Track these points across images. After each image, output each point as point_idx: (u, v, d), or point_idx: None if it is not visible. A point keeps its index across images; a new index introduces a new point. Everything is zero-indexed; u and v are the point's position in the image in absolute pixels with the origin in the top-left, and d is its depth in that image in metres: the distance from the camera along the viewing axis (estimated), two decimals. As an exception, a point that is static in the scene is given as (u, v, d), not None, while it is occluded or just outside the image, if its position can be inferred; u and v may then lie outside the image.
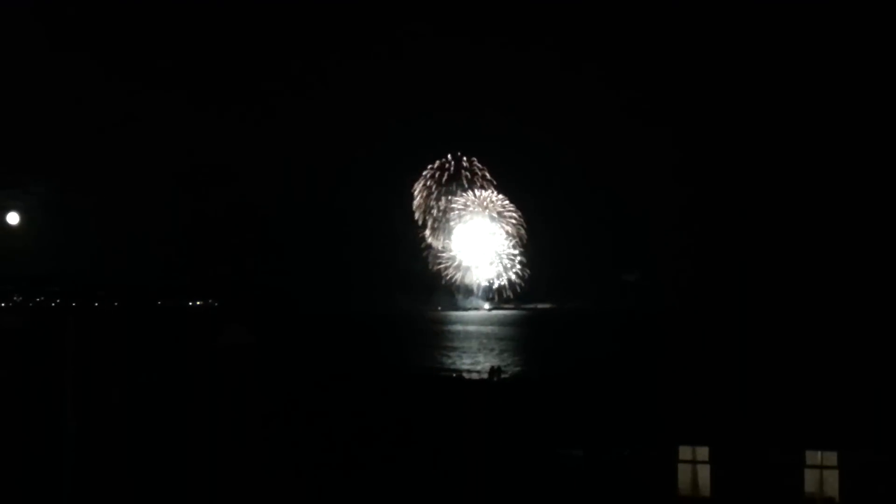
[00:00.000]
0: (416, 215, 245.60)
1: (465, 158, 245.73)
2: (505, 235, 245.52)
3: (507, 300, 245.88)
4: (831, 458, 31.33)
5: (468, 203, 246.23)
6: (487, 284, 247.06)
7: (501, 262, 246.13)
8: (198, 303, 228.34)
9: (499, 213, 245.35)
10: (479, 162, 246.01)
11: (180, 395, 36.84)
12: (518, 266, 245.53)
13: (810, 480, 31.44)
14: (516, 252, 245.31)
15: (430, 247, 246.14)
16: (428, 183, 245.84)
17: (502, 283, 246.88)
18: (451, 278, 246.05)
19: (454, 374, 70.19)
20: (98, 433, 33.97)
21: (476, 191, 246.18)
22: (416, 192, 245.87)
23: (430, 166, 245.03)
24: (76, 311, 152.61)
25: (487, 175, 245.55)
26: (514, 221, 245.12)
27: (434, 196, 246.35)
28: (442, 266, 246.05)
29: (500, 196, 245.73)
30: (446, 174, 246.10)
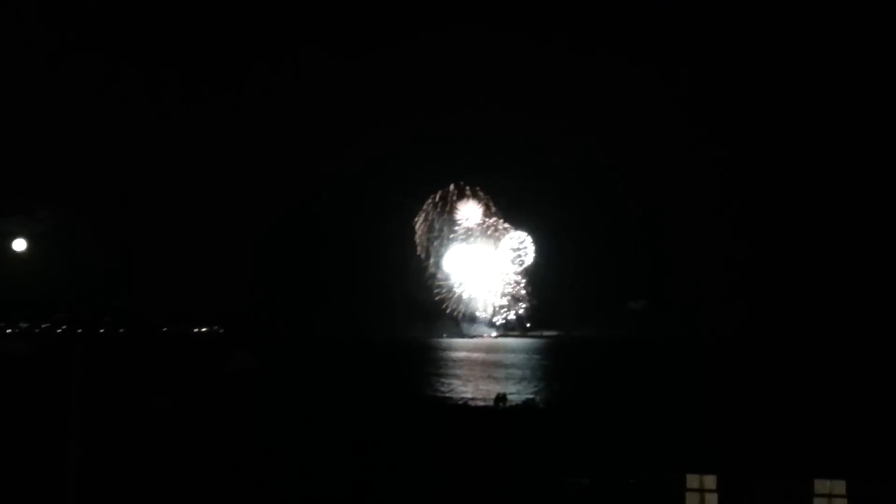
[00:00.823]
0: (418, 248, 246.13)
1: (468, 187, 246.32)
2: (510, 263, 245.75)
3: (513, 328, 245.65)
4: (840, 486, 31.11)
5: (471, 231, 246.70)
6: (492, 312, 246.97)
7: (507, 290, 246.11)
8: (203, 329, 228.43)
9: (503, 241, 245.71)
10: (482, 190, 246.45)
11: (186, 421, 36.76)
12: (523, 293, 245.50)
13: (819, 509, 31.20)
14: (522, 279, 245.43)
15: (434, 275, 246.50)
16: (429, 215, 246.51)
17: (508, 311, 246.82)
18: (456, 306, 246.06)
19: (459, 402, 69.94)
20: (103, 461, 33.89)
21: (480, 218, 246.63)
22: (417, 225, 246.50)
23: (431, 197, 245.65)
24: (82, 338, 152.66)
25: (491, 204, 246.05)
26: (519, 249, 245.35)
27: (436, 227, 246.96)
28: (446, 294, 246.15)
29: (506, 224, 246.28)
30: (448, 204, 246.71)
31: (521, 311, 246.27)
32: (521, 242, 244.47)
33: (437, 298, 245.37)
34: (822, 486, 31.26)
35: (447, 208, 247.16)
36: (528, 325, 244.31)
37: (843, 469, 31.08)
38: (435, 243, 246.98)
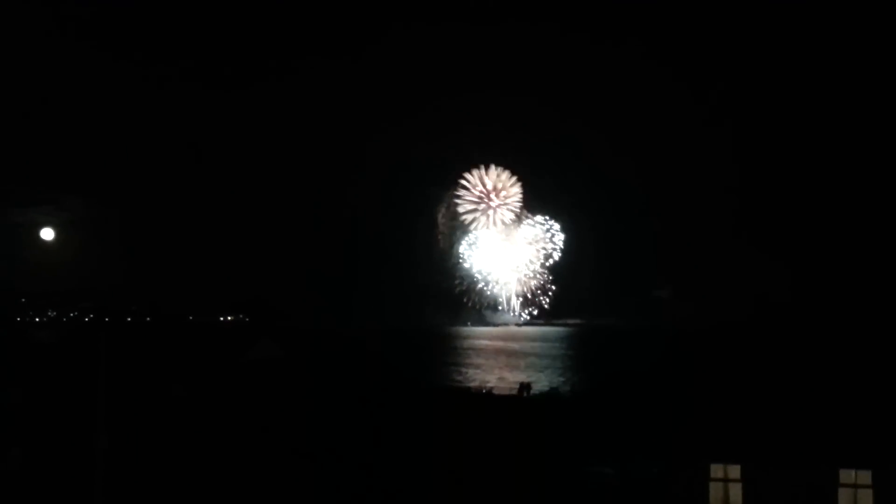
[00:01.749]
0: (442, 236, 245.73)
1: (490, 169, 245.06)
2: (535, 252, 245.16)
3: (537, 316, 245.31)
4: (866, 476, 30.87)
5: (496, 220, 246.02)
6: (517, 300, 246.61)
7: (531, 278, 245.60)
8: (228, 318, 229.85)
9: (528, 229, 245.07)
10: (508, 177, 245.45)
11: (207, 410, 37.00)
12: (547, 282, 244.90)
13: (844, 499, 30.97)
14: (546, 268, 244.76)
15: (458, 264, 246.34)
16: (453, 204, 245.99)
17: (532, 299, 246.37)
18: (480, 295, 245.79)
19: (484, 390, 69.96)
20: (130, 447, 34.19)
21: (505, 209, 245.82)
22: (441, 214, 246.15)
23: (455, 185, 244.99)
24: (108, 327, 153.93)
25: (518, 189, 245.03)
26: (544, 238, 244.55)
27: (460, 215, 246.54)
28: (470, 283, 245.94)
29: (529, 213, 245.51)
30: (474, 191, 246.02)
31: (545, 300, 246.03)
32: (547, 231, 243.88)
33: (461, 287, 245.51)
34: (846, 475, 31.04)
35: (472, 197, 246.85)
36: (552, 313, 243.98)
37: (869, 459, 30.84)
38: (459, 231, 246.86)
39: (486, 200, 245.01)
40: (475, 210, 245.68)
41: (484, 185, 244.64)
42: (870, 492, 30.69)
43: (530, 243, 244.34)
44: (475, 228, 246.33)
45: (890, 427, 31.38)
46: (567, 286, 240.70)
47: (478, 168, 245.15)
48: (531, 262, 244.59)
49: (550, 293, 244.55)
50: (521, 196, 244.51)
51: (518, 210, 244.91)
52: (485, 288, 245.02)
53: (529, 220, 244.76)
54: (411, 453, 34.48)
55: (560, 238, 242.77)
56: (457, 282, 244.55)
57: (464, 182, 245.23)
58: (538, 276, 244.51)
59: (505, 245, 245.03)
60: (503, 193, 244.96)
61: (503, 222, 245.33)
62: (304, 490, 33.24)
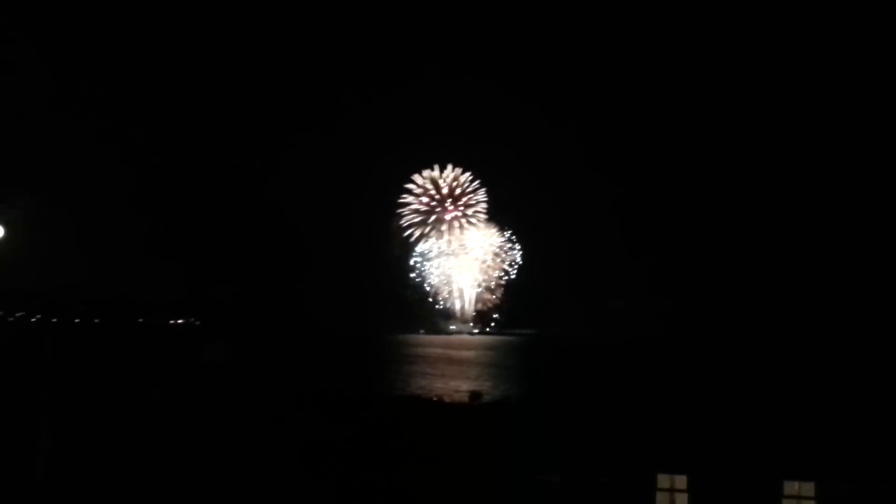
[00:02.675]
0: (396, 242, 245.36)
1: (451, 171, 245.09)
2: (490, 260, 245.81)
3: (490, 325, 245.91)
4: (809, 488, 31.35)
5: (449, 224, 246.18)
6: (470, 309, 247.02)
7: (485, 287, 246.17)
8: (179, 321, 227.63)
9: (483, 237, 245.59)
10: (463, 181, 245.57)
11: (157, 414, 36.62)
12: (502, 291, 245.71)
13: (788, 511, 31.42)
14: (501, 277, 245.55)
15: (411, 270, 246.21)
16: (408, 209, 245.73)
17: (485, 308, 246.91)
18: (433, 302, 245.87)
19: (435, 398, 70.01)
20: (73, 452, 33.70)
21: (462, 218, 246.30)
22: (395, 218, 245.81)
23: (409, 189, 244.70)
24: (56, 328, 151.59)
25: (478, 196, 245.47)
26: (500, 244, 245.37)
27: (417, 221, 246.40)
28: (423, 290, 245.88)
29: (486, 221, 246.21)
30: (430, 199, 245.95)
31: (498, 309, 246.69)
32: (504, 240, 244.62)
33: (414, 294, 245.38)
34: (790, 487, 31.50)
35: (427, 198, 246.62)
36: (505, 322, 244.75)
37: (813, 470, 31.34)
38: (414, 237, 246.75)
39: (441, 205, 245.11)
40: (429, 214, 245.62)
41: (438, 189, 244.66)
42: (813, 503, 31.17)
43: (485, 251, 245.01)
44: (430, 234, 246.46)
45: (833, 439, 31.93)
46: (520, 296, 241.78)
47: (432, 170, 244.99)
48: (486, 270, 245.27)
49: (504, 302, 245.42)
50: (481, 200, 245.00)
51: (478, 215, 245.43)
52: (438, 296, 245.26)
53: (485, 227, 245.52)
54: (359, 459, 34.36)
55: (516, 247, 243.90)
56: (409, 289, 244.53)
57: (415, 185, 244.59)
58: (493, 284, 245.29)
59: (460, 253, 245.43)
60: (464, 199, 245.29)
61: (459, 228, 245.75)
62: (250, 496, 32.96)
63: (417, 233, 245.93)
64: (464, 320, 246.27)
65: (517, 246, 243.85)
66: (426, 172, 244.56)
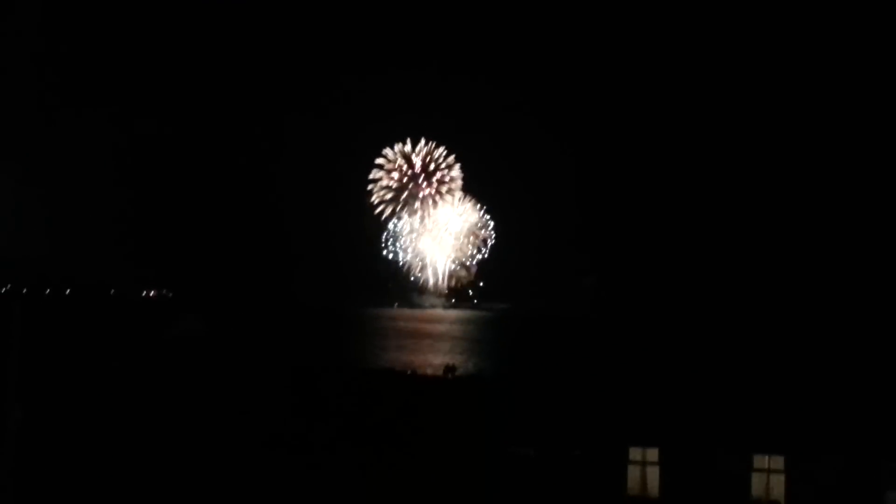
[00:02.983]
0: (369, 214, 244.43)
1: (420, 144, 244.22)
2: (464, 234, 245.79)
3: (464, 299, 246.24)
4: (778, 462, 31.67)
5: (423, 196, 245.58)
6: (443, 283, 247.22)
7: (459, 261, 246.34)
8: (151, 293, 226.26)
9: (457, 211, 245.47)
10: (436, 153, 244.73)
11: (125, 386, 36.31)
12: (475, 265, 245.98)
13: (757, 484, 31.75)
14: (474, 251, 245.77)
15: (384, 243, 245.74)
16: (380, 180, 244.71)
17: (459, 282, 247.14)
18: (406, 276, 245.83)
19: (408, 371, 70.00)
20: (42, 424, 33.40)
21: (436, 194, 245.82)
22: (368, 190, 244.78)
23: (381, 161, 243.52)
24: (25, 299, 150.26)
25: (453, 173, 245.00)
26: (475, 219, 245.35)
27: (387, 192, 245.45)
28: (396, 263, 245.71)
29: (461, 193, 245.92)
30: (399, 168, 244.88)
31: (472, 283, 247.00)
32: (479, 215, 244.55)
33: (387, 269, 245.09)
34: (760, 461, 31.81)
35: (399, 173, 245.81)
36: (479, 297, 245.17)
37: (782, 445, 31.62)
38: (385, 209, 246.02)
39: (414, 180, 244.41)
40: (402, 190, 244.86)
41: (411, 164, 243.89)
42: (782, 477, 31.50)
43: (460, 227, 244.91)
44: (403, 209, 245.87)
45: (802, 414, 32.21)
46: (494, 271, 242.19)
47: (404, 144, 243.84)
48: (461, 247, 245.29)
49: (477, 277, 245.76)
50: (455, 176, 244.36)
51: (451, 191, 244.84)
52: (411, 270, 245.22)
53: (460, 202, 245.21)
54: (334, 433, 34.30)
55: (489, 223, 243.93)
56: (382, 264, 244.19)
57: (386, 160, 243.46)
58: (466, 259, 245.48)
59: (434, 228, 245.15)
60: (438, 174, 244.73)
61: (433, 203, 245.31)
62: (225, 472, 32.84)
63: (390, 209, 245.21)
64: (437, 295, 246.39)
65: (490, 222, 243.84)
66: (398, 147, 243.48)
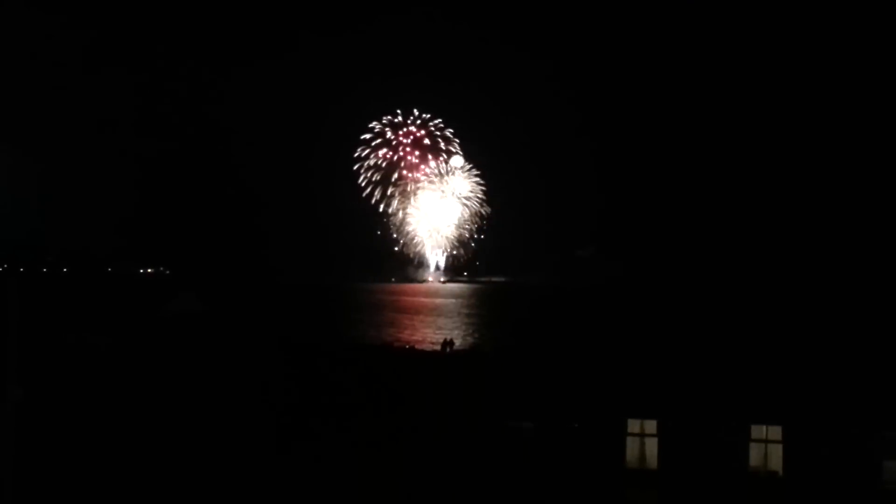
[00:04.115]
0: (364, 189, 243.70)
1: (425, 119, 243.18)
2: (461, 208, 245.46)
3: (461, 273, 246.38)
4: (776, 432, 31.81)
5: (420, 171, 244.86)
6: (443, 256, 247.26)
7: (456, 235, 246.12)
8: (149, 270, 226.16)
9: (454, 184, 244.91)
10: (433, 126, 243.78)
11: (123, 363, 36.34)
12: (473, 239, 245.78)
13: (755, 454, 31.92)
14: (472, 225, 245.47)
15: (381, 218, 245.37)
16: (374, 154, 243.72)
17: (456, 256, 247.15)
18: (404, 250, 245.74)
19: (407, 346, 70.14)
20: (45, 400, 33.46)
21: (435, 161, 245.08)
22: (361, 164, 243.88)
23: (374, 134, 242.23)
24: (23, 276, 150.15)
25: (453, 141, 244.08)
26: (473, 193, 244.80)
27: (382, 166, 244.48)
28: (396, 237, 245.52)
29: (462, 166, 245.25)
30: (394, 142, 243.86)
31: (469, 257, 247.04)
32: (473, 187, 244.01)
33: (384, 243, 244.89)
34: (758, 431, 31.95)
35: (393, 147, 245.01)
36: (476, 270, 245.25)
37: (779, 415, 31.75)
38: (381, 184, 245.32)
39: (406, 155, 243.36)
40: (393, 167, 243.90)
41: (407, 135, 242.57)
42: (779, 447, 31.66)
43: (460, 198, 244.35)
44: (400, 185, 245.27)
45: (800, 384, 32.32)
46: (491, 244, 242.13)
47: (394, 117, 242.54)
48: (459, 218, 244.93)
49: (475, 251, 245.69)
50: (454, 151, 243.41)
51: (451, 163, 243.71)
52: (410, 243, 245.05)
53: (456, 176, 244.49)
54: (334, 408, 34.38)
55: (482, 194, 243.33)
56: (379, 238, 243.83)
57: (374, 133, 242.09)
58: (465, 232, 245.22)
59: (431, 201, 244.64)
60: (434, 144, 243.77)
61: (429, 179, 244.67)
62: (225, 447, 32.94)
63: (379, 189, 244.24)
64: (435, 268, 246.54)
65: (486, 197, 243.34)
66: (386, 119, 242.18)
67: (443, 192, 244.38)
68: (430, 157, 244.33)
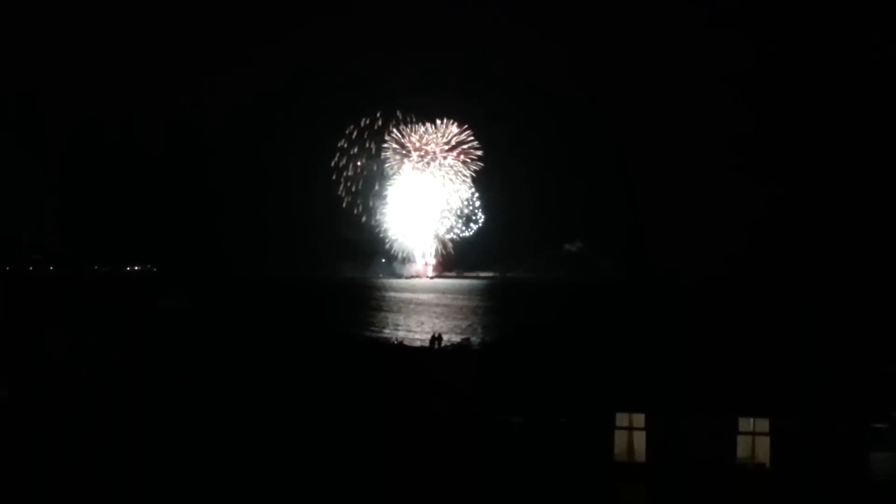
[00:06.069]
0: (349, 184, 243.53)
1: (400, 117, 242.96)
2: (448, 203, 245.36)
3: (449, 268, 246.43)
4: (763, 424, 31.90)
5: (406, 165, 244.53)
6: (429, 252, 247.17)
7: (444, 230, 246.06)
8: (136, 267, 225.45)
9: (441, 180, 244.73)
10: (416, 120, 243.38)
11: (112, 362, 36.25)
12: (460, 234, 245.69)
13: (742, 446, 32.00)
14: (459, 220, 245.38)
15: (367, 213, 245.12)
16: (359, 149, 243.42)
17: (444, 252, 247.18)
18: (391, 246, 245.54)
19: (395, 342, 70.16)
20: (32, 398, 33.35)
21: (420, 146, 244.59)
22: (346, 160, 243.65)
23: (358, 130, 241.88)
24: (8, 275, 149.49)
25: (427, 136, 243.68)
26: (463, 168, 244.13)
27: (367, 162, 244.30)
28: (380, 234, 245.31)
29: (446, 161, 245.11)
30: (380, 137, 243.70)
31: (457, 253, 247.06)
32: (462, 186, 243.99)
33: (371, 238, 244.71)
34: (745, 423, 32.03)
35: (379, 142, 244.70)
36: (465, 265, 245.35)
37: (767, 407, 31.84)
38: (367, 180, 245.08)
39: (414, 153, 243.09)
40: (395, 159, 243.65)
41: (409, 141, 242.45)
42: (767, 439, 31.75)
43: (447, 194, 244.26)
44: (386, 176, 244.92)
45: (787, 377, 32.42)
46: (479, 240, 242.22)
47: (389, 118, 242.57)
48: (446, 213, 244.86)
49: (463, 245, 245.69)
50: (466, 144, 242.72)
51: (435, 157, 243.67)
52: (397, 238, 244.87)
53: (447, 170, 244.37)
54: (323, 404, 34.37)
55: (472, 191, 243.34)
56: (365, 233, 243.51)
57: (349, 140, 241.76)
58: (453, 227, 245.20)
59: (418, 195, 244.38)
60: (420, 144, 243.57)
61: (418, 172, 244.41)
62: (215, 446, 32.89)
63: (375, 178, 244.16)
64: (422, 264, 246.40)
65: (476, 192, 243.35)
66: (364, 122, 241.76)
67: (426, 185, 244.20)
68: (414, 157, 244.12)
